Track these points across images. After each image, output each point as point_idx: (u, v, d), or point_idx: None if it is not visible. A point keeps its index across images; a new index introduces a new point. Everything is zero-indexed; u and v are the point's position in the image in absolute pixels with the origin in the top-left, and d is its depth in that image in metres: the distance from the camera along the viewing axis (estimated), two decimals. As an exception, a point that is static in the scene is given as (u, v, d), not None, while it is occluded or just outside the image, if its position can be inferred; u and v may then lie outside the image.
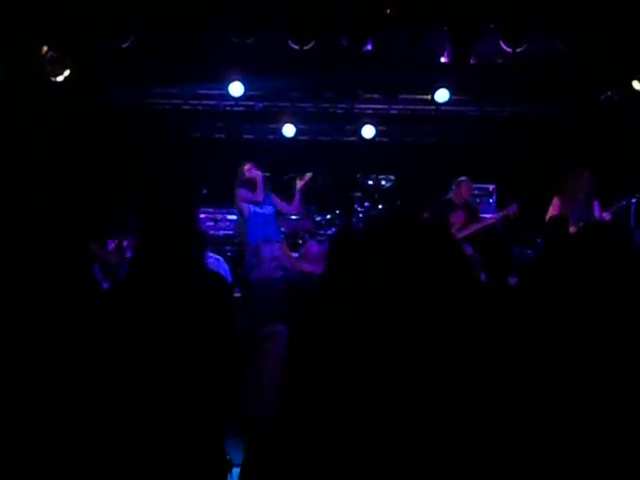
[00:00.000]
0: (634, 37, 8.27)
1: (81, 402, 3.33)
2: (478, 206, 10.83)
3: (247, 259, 7.64)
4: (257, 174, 8.70)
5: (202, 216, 11.09)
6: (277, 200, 9.00)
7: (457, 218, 9.05)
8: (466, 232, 8.97)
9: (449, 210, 9.14)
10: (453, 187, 9.46)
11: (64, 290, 3.52)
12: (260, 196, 8.68)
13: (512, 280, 4.96)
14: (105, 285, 6.91)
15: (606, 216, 8.57)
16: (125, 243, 8.70)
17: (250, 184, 8.72)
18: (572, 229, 7.70)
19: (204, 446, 3.49)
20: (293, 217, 11.16)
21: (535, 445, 2.21)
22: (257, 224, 8.65)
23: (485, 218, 9.56)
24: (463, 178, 9.48)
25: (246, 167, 8.77)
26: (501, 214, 9.47)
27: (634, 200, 9.01)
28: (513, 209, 9.23)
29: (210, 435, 3.56)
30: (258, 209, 8.72)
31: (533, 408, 2.35)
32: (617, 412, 2.62)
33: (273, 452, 1.83)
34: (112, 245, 8.81)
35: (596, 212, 8.60)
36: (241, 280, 7.54)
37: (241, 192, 8.74)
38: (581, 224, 7.91)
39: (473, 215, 9.41)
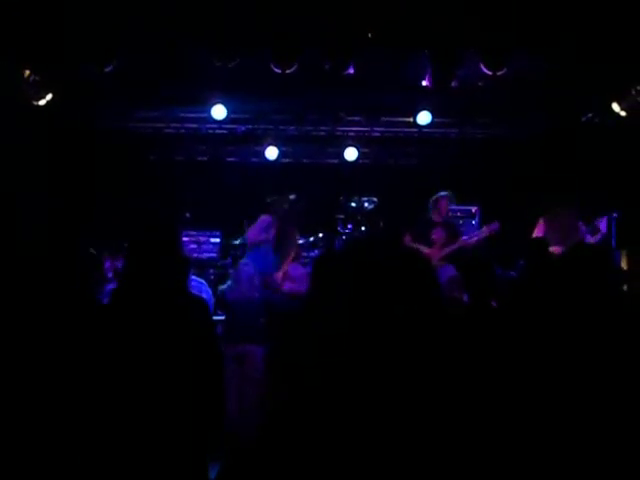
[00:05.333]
0: (614, 60, 8.35)
1: (65, 422, 3.31)
2: (460, 227, 10.86)
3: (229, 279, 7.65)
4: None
5: (185, 239, 11.06)
6: None
7: (438, 235, 9.08)
8: (448, 250, 8.99)
9: (429, 228, 9.17)
10: (431, 205, 9.49)
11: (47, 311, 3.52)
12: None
13: (493, 302, 4.98)
14: None
15: (602, 224, 8.58)
16: (106, 264, 8.68)
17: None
18: (556, 249, 7.71)
19: (186, 466, 3.47)
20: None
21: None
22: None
23: (468, 237, 9.57)
24: (441, 194, 9.52)
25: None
26: (484, 231, 9.49)
27: (615, 215, 9.06)
28: (495, 226, 9.27)
29: (193, 456, 3.54)
30: None
31: (511, 428, 2.36)
32: (596, 434, 2.62)
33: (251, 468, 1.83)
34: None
35: (583, 230, 8.60)
36: (219, 300, 7.54)
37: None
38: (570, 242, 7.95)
39: (453, 232, 9.43)
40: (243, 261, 7.74)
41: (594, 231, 8.59)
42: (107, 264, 8.79)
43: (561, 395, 2.77)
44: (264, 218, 8.77)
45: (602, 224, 8.64)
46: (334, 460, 1.73)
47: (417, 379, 1.78)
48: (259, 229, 8.62)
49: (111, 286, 8.41)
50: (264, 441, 1.85)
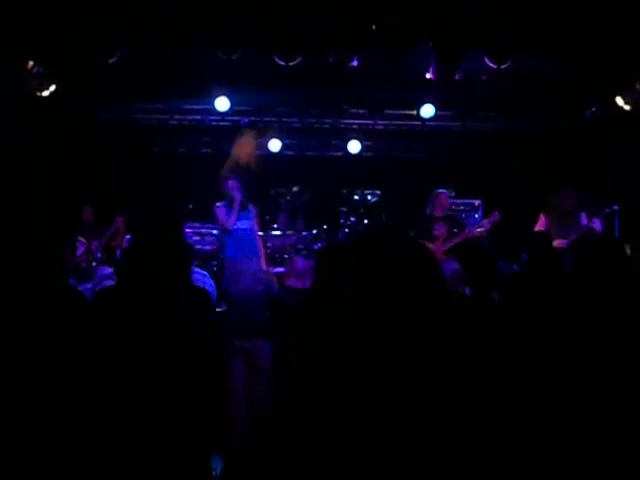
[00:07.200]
0: (617, 54, 8.35)
1: (64, 417, 3.32)
2: (463, 220, 10.85)
3: (225, 273, 7.64)
4: (237, 195, 8.60)
5: (188, 231, 11.05)
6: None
7: (440, 231, 9.06)
8: (451, 243, 8.98)
9: (430, 224, 9.16)
10: (431, 201, 9.46)
11: (46, 304, 3.52)
12: (231, 222, 8.55)
13: (496, 295, 4.98)
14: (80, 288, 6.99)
15: (596, 224, 8.56)
16: (94, 245, 8.79)
17: (230, 200, 8.64)
18: (558, 242, 7.72)
19: (189, 461, 3.48)
20: (279, 232, 11.21)
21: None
22: (231, 239, 8.60)
23: (469, 229, 9.56)
24: (439, 190, 9.51)
25: (230, 183, 8.69)
26: (485, 224, 9.48)
27: (616, 207, 9.03)
28: (496, 217, 9.25)
29: (195, 450, 3.55)
30: (237, 224, 8.64)
31: (510, 422, 2.37)
32: (598, 427, 2.63)
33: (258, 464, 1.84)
34: (82, 249, 8.89)
35: (583, 221, 8.57)
36: (223, 294, 7.54)
37: (218, 211, 8.66)
38: (572, 238, 7.97)
39: (455, 225, 9.42)
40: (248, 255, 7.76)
41: (590, 231, 8.56)
42: (94, 244, 8.91)
43: (564, 392, 2.77)
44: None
45: (596, 223, 8.62)
46: (339, 452, 1.74)
47: (420, 371, 1.79)
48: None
49: (105, 269, 8.51)
50: (271, 435, 1.87)
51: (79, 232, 9.26)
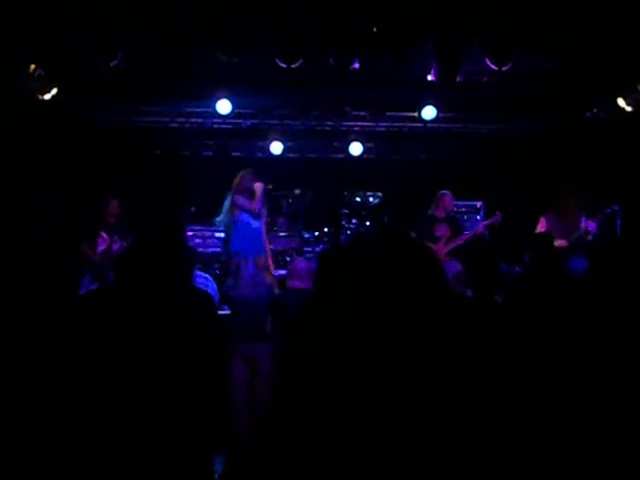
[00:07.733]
0: (618, 55, 8.34)
1: (65, 418, 3.31)
2: (465, 222, 10.88)
3: (229, 274, 7.65)
4: (258, 185, 8.62)
5: (190, 234, 11.06)
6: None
7: (442, 231, 9.09)
8: (453, 244, 9.01)
9: (432, 225, 9.19)
10: (435, 201, 9.52)
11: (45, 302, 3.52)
12: (257, 206, 8.59)
13: (498, 297, 4.99)
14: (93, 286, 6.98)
15: (591, 226, 8.58)
16: (115, 246, 8.78)
17: (249, 193, 8.65)
18: (559, 242, 7.74)
19: (191, 464, 3.48)
20: (281, 234, 11.21)
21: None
22: (244, 235, 8.60)
23: (471, 231, 9.60)
24: (444, 191, 9.55)
25: (248, 177, 8.70)
26: (486, 223, 9.53)
27: (617, 207, 9.05)
28: (497, 218, 9.29)
29: (198, 454, 3.55)
30: (250, 220, 8.64)
31: (513, 425, 2.36)
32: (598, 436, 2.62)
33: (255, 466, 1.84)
34: (103, 246, 8.87)
35: (582, 224, 8.61)
36: (225, 297, 7.54)
37: (238, 198, 8.64)
38: (572, 239, 8.03)
39: (456, 227, 9.45)
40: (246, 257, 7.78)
41: (586, 233, 8.58)
42: (116, 245, 8.90)
43: (569, 395, 2.77)
44: None
45: (591, 226, 8.63)
46: (339, 455, 1.74)
47: (422, 373, 1.79)
48: None
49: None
50: (270, 437, 1.86)
51: (102, 227, 9.19)
